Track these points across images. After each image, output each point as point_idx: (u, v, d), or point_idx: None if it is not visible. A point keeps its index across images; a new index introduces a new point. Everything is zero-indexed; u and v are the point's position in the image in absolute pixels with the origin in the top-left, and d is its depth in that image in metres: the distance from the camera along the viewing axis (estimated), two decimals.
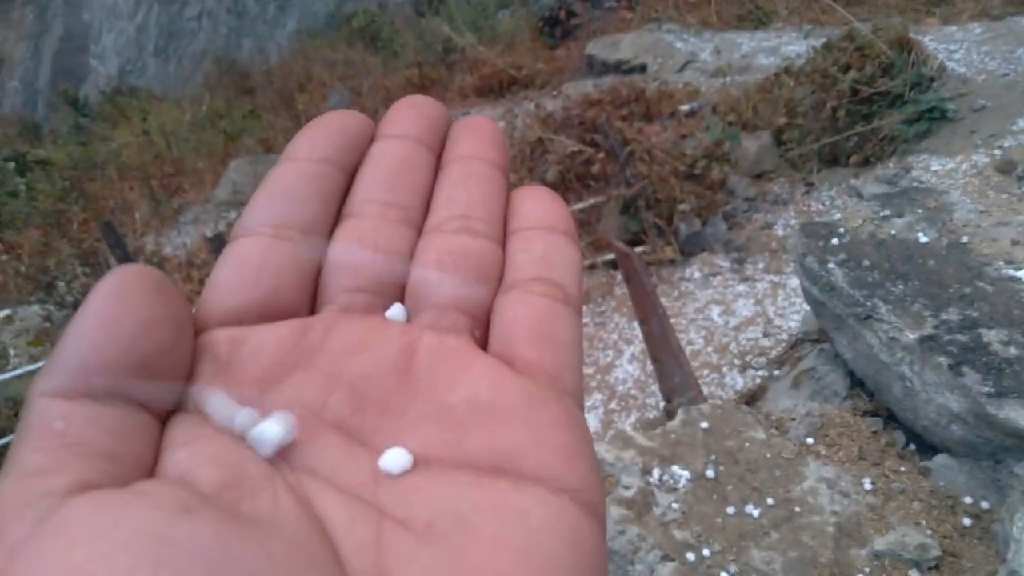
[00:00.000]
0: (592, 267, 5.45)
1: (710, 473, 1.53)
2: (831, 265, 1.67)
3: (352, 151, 0.33)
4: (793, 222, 4.68)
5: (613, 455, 1.62)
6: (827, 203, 4.69)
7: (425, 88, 9.08)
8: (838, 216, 1.77)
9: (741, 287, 4.49)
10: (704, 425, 1.65)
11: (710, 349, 4.18)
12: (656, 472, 1.57)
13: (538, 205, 0.33)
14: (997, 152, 4.36)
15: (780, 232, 4.73)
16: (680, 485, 1.54)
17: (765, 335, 4.07)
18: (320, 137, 0.32)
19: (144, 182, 9.87)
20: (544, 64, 7.83)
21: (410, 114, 0.34)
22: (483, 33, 9.37)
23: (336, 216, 0.32)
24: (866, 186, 4.64)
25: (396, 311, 0.29)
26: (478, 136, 0.34)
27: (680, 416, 1.70)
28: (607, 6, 8.31)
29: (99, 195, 9.30)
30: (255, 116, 11.59)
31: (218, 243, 5.38)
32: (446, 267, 0.30)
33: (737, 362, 4.00)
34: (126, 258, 6.32)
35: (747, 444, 1.60)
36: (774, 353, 3.60)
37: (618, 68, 7.09)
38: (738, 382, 3.84)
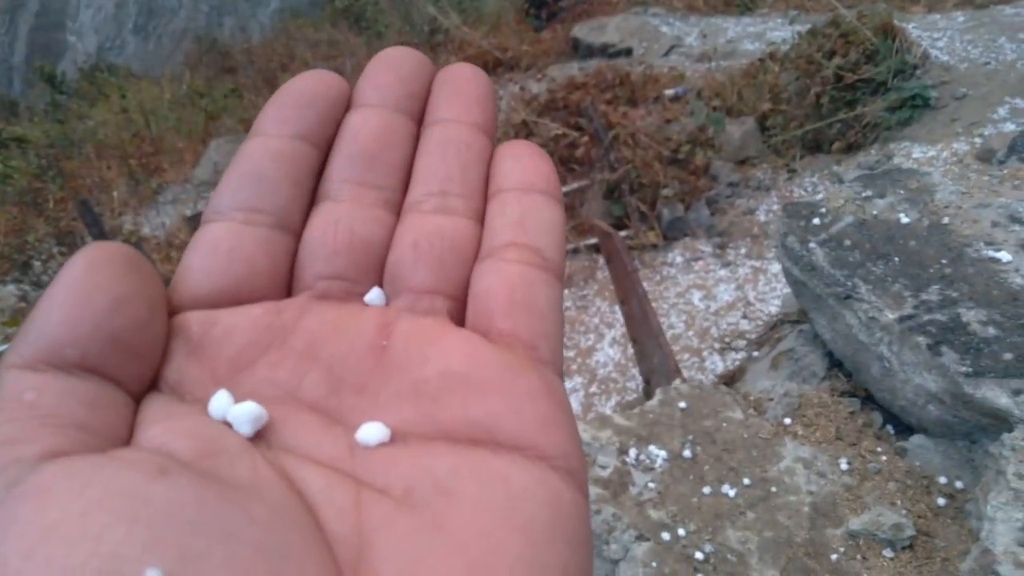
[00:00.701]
0: (575, 251, 5.44)
1: (687, 453, 1.52)
2: (812, 244, 1.65)
3: (326, 123, 0.31)
4: (775, 208, 4.69)
5: (590, 435, 1.61)
6: (809, 189, 4.70)
7: None
8: (820, 196, 1.75)
9: (722, 272, 4.50)
10: (682, 405, 1.63)
11: (691, 333, 4.19)
12: (633, 452, 1.55)
13: (518, 165, 0.31)
14: (978, 140, 4.39)
15: (762, 218, 4.74)
16: (657, 465, 1.53)
17: (745, 318, 4.08)
18: (291, 109, 0.30)
19: (123, 161, 9.72)
20: (529, 46, 7.76)
21: (388, 76, 0.32)
22: (468, 14, 9.27)
23: (311, 197, 0.30)
24: (848, 173, 4.65)
25: (374, 295, 0.29)
26: (459, 94, 0.33)
27: (658, 396, 1.69)
28: None
29: (76, 174, 9.14)
30: (236, 95, 11.43)
31: (197, 224, 5.30)
32: (421, 251, 0.29)
33: (717, 346, 4.02)
34: (102, 237, 6.21)
35: (724, 424, 1.59)
36: (754, 335, 3.62)
37: (604, 51, 7.04)
38: (718, 366, 3.85)
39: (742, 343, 3.15)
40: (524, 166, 0.31)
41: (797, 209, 1.75)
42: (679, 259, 4.81)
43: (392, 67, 0.33)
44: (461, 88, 0.33)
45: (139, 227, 8.01)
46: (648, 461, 1.53)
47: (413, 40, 9.73)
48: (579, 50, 7.45)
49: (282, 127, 0.30)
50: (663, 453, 1.53)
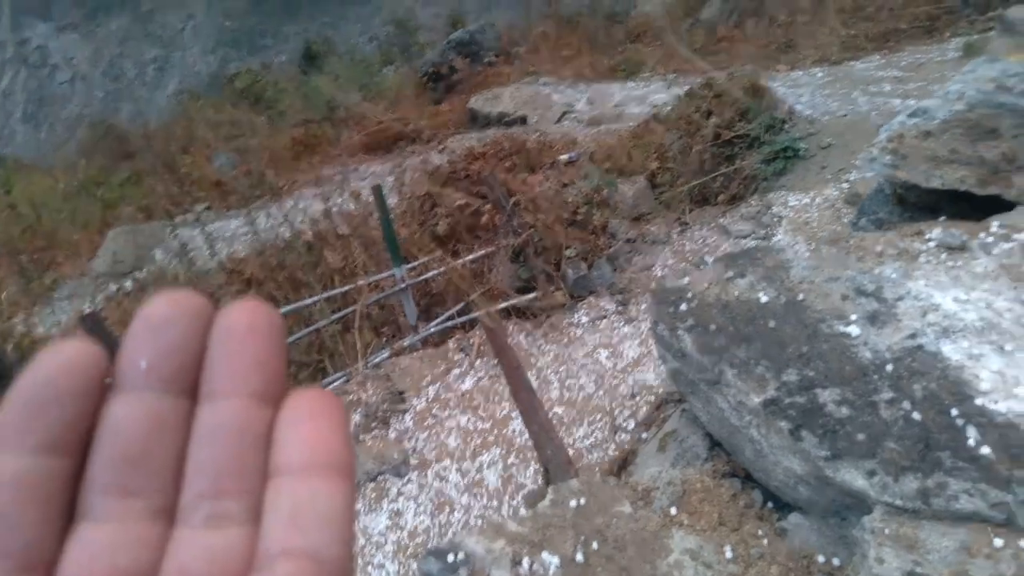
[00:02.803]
0: (485, 315, 5.45)
1: (579, 557, 1.51)
2: (680, 332, 1.71)
3: (78, 419, 0.28)
4: (670, 262, 4.87)
5: (484, 547, 1.58)
6: (699, 242, 4.92)
7: (312, 147, 8.98)
8: (686, 280, 1.83)
9: (627, 328, 4.61)
10: (573, 504, 1.63)
11: (601, 392, 4.25)
12: (526, 562, 1.53)
13: (300, 433, 0.29)
14: (845, 185, 4.73)
15: (659, 272, 4.91)
16: (550, 572, 1.51)
17: (652, 374, 4.17)
18: (34, 410, 0.27)
19: (12, 258, 9.20)
20: (429, 119, 7.92)
21: (155, 346, 0.29)
22: (368, 90, 9.40)
23: (65, 514, 0.27)
24: (733, 224, 4.91)
25: None
26: (235, 357, 0.30)
27: (550, 495, 1.68)
28: (487, 61, 8.53)
29: None
30: (135, 182, 11.08)
31: (92, 322, 5.02)
32: None
33: (628, 403, 4.08)
34: None
35: (615, 520, 1.59)
36: (660, 391, 3.70)
37: (500, 120, 7.25)
38: (630, 423, 3.90)
39: (631, 424, 3.21)
40: (306, 434, 0.29)
41: (666, 295, 1.81)
42: (585, 319, 4.90)
43: (158, 333, 0.29)
44: (237, 348, 0.30)
45: (32, 328, 7.53)
46: (541, 571, 1.51)
47: (314, 117, 9.75)
48: (477, 120, 7.65)
49: (24, 438, 0.27)
50: (555, 560, 1.51)
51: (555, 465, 1.87)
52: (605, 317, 4.82)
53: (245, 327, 0.30)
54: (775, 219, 4.78)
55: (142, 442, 0.28)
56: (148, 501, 0.28)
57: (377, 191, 4.94)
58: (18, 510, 0.26)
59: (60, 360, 0.28)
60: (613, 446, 3.77)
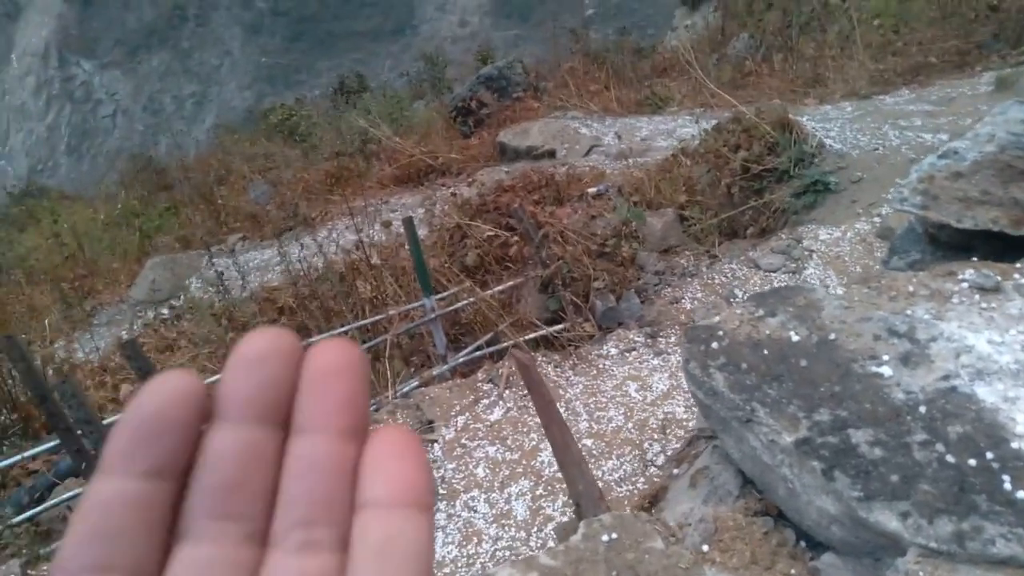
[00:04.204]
0: (514, 347, 5.48)
1: None
2: (712, 370, 1.73)
3: (181, 448, 0.30)
4: (699, 295, 4.87)
5: None
6: (729, 275, 4.91)
7: (344, 179, 9.18)
8: (717, 319, 1.85)
9: (655, 361, 4.60)
10: (605, 538, 1.64)
11: (630, 425, 4.23)
12: None
13: (385, 471, 0.31)
14: (876, 220, 4.71)
15: (688, 305, 4.90)
16: None
17: (682, 407, 4.16)
18: (142, 438, 0.29)
19: (54, 285, 9.50)
20: (458, 153, 8.06)
21: (250, 381, 0.31)
22: (399, 124, 9.60)
23: (168, 537, 0.29)
24: (763, 257, 4.90)
25: None
26: (325, 397, 0.32)
27: (582, 529, 1.69)
28: (515, 96, 8.70)
29: (4, 301, 8.86)
30: (172, 212, 11.39)
31: (131, 348, 5.15)
32: None
33: (658, 436, 4.06)
34: (29, 373, 5.97)
35: (647, 556, 1.60)
36: (691, 424, 3.68)
37: (529, 154, 7.36)
38: (660, 457, 3.88)
39: (661, 458, 3.20)
40: (391, 471, 0.31)
41: (697, 334, 1.84)
42: (613, 351, 4.90)
43: (254, 369, 0.31)
44: (327, 389, 0.32)
45: (72, 353, 7.74)
46: None
47: (347, 150, 9.99)
48: (506, 154, 7.77)
49: (133, 463, 0.29)
50: None
51: (587, 500, 1.89)
52: (634, 349, 4.82)
53: (334, 366, 0.32)
54: (806, 253, 4.76)
55: (239, 471, 0.30)
56: (244, 526, 0.30)
57: (408, 222, 5.04)
58: (128, 529, 0.28)
59: (166, 391, 0.30)
60: (642, 480, 3.75)
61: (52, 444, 3.85)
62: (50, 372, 6.43)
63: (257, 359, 0.32)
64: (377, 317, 5.35)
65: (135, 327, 8.16)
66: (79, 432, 3.70)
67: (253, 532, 0.30)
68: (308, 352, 0.33)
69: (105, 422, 3.99)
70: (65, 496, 4.04)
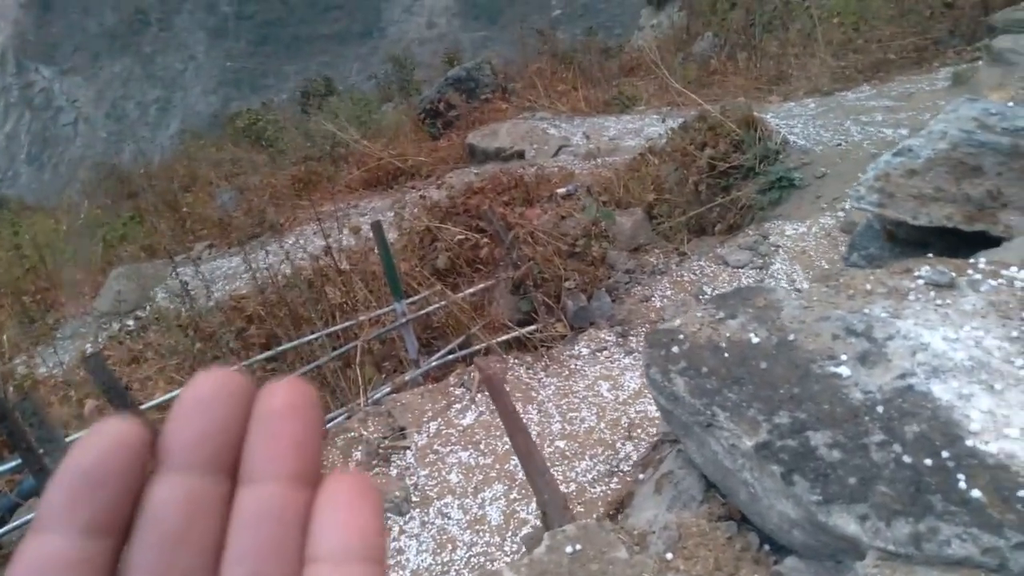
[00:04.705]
0: (487, 352, 5.46)
1: None
2: (672, 374, 1.72)
3: (122, 500, 0.28)
4: (669, 293, 4.89)
5: None
6: (698, 272, 4.94)
7: (312, 184, 9.07)
8: (678, 322, 1.84)
9: (627, 360, 4.61)
10: (568, 550, 1.63)
11: (603, 425, 4.24)
12: None
13: (336, 522, 0.30)
14: (841, 214, 4.77)
15: (658, 303, 4.92)
16: None
17: (653, 406, 4.17)
18: (80, 492, 0.27)
19: (15, 299, 9.25)
20: (427, 155, 8.01)
21: (197, 427, 0.30)
22: (367, 127, 9.52)
23: None
24: (731, 254, 4.94)
25: None
26: (275, 440, 0.30)
27: (546, 541, 1.67)
28: (483, 97, 8.67)
29: None
30: (137, 221, 11.17)
31: (95, 362, 5.04)
32: None
33: (631, 435, 4.07)
34: None
35: (611, 567, 1.59)
36: (660, 424, 3.69)
37: (498, 155, 7.34)
38: (632, 456, 3.88)
39: (632, 458, 3.20)
40: (343, 522, 0.30)
41: (658, 338, 1.83)
42: (585, 351, 4.90)
43: (200, 413, 0.30)
44: (277, 429, 0.30)
45: (34, 368, 7.54)
46: None
47: (315, 155, 9.87)
48: (475, 155, 7.74)
49: (70, 519, 0.27)
50: None
51: (552, 508, 1.87)
52: (605, 349, 4.83)
53: (285, 407, 0.31)
54: (772, 248, 4.80)
55: (183, 523, 0.29)
56: None
57: (377, 227, 4.99)
58: None
59: (106, 441, 0.28)
60: (615, 480, 3.75)
61: (14, 464, 3.74)
62: (11, 389, 6.25)
63: (204, 402, 0.30)
64: (347, 323, 5.29)
65: (100, 340, 7.98)
66: (42, 451, 3.60)
67: None
68: (258, 393, 0.31)
69: (69, 439, 3.89)
70: (28, 517, 3.93)
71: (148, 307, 8.09)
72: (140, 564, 0.28)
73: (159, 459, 0.30)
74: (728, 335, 1.80)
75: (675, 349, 1.78)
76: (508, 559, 1.50)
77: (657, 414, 4.17)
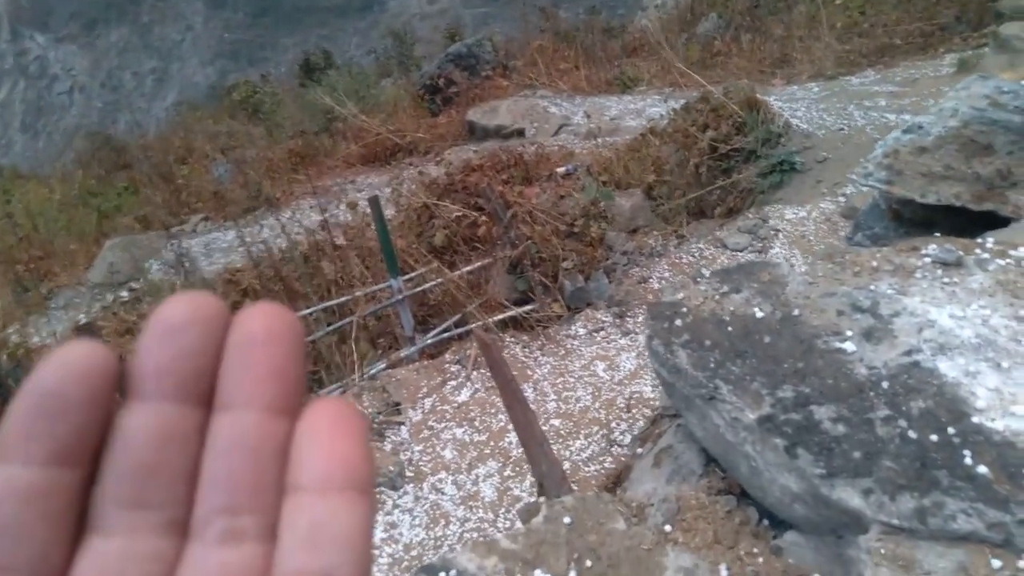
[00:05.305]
0: (486, 329, 5.44)
1: (572, 574, 1.49)
2: (675, 347, 1.70)
3: (88, 429, 0.26)
4: (667, 275, 4.87)
5: (476, 564, 1.56)
6: (696, 255, 4.92)
7: (309, 158, 8.99)
8: (681, 295, 1.82)
9: (623, 340, 4.60)
10: (567, 520, 1.61)
11: (598, 405, 4.24)
12: None
13: (318, 449, 0.28)
14: (841, 199, 4.74)
15: (656, 285, 4.91)
16: None
17: (648, 387, 4.17)
18: (42, 420, 0.26)
19: (8, 267, 9.19)
20: (426, 131, 7.94)
21: (168, 352, 0.28)
22: (365, 102, 9.42)
23: (75, 527, 0.26)
24: (730, 237, 4.91)
25: None
26: (251, 367, 0.28)
27: (543, 511, 1.66)
28: (484, 74, 8.57)
29: None
30: (132, 192, 11.08)
31: (88, 332, 5.00)
32: None
33: (625, 415, 4.07)
34: None
35: (609, 537, 1.57)
36: (657, 404, 3.69)
37: (498, 133, 7.27)
38: (626, 436, 3.89)
39: (627, 438, 3.20)
40: (325, 449, 0.28)
41: (661, 311, 1.81)
42: (582, 331, 4.89)
43: (172, 339, 0.28)
44: (255, 356, 0.29)
45: (27, 338, 7.50)
46: None
47: (312, 128, 9.78)
48: (474, 132, 7.67)
49: (32, 449, 0.26)
50: None
51: (550, 480, 1.86)
52: (602, 329, 4.82)
53: (263, 333, 0.29)
54: (772, 232, 4.78)
55: (155, 453, 0.27)
56: (161, 514, 0.27)
57: (374, 202, 4.94)
58: (25, 523, 0.25)
59: (68, 366, 0.27)
60: (610, 459, 3.76)
61: None
62: (3, 358, 6.22)
63: (176, 327, 0.28)
64: (343, 299, 5.26)
65: (93, 310, 7.94)
66: None
67: (171, 521, 0.27)
68: (235, 318, 0.29)
69: None
70: None
71: (142, 279, 8.04)
72: (109, 496, 0.27)
73: (129, 387, 0.28)
74: (732, 309, 1.78)
75: (678, 322, 1.76)
76: (501, 535, 1.50)
77: (653, 395, 4.17)
